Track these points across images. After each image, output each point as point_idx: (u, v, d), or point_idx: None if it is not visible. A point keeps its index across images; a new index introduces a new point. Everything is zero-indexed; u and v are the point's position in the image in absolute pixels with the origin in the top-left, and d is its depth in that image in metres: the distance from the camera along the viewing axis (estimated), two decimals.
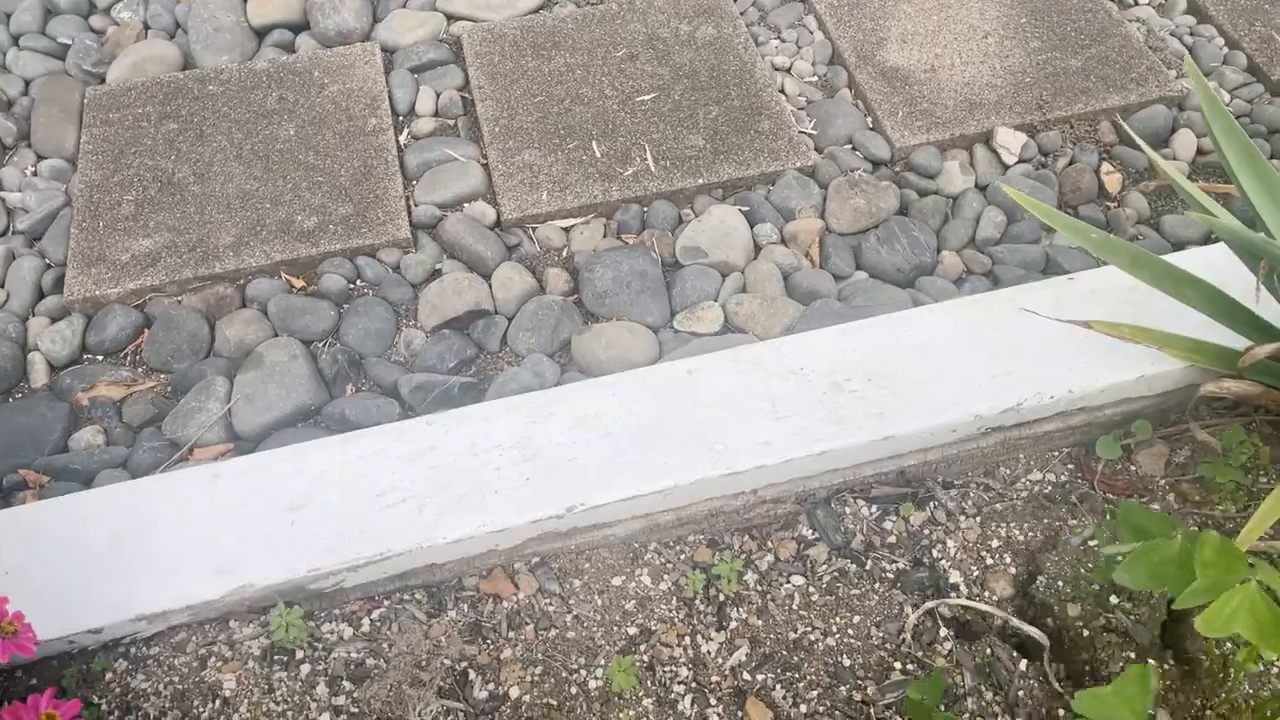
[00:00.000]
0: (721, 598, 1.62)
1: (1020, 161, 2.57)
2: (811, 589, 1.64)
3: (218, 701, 1.43)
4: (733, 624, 1.59)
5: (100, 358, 2.19)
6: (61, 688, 1.42)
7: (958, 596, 1.59)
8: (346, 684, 1.47)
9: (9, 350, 2.12)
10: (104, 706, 1.43)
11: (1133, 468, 1.74)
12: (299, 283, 2.31)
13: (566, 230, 2.44)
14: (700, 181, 2.47)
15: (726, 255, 2.34)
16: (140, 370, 2.17)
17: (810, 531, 1.72)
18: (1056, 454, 1.78)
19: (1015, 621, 1.53)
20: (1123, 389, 1.68)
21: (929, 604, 1.58)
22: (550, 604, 1.58)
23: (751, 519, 1.71)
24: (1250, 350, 1.53)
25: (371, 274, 2.31)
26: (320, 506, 1.53)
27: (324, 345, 2.20)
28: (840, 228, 2.42)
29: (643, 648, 1.55)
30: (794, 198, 2.46)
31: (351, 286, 2.31)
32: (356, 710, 1.45)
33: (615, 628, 1.56)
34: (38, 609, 1.30)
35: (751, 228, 2.41)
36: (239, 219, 2.37)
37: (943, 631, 1.55)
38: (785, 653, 1.56)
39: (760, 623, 1.59)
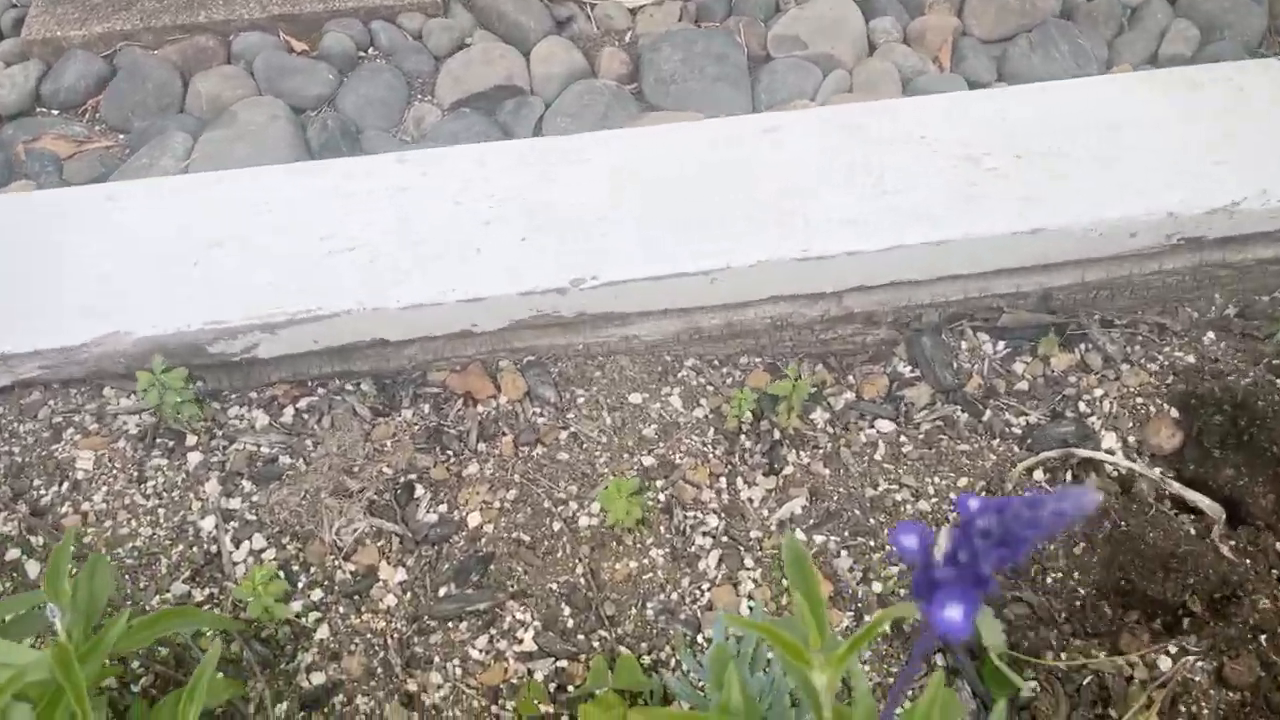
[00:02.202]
0: (776, 435, 1.17)
1: None
2: (904, 438, 1.18)
3: (64, 484, 1.05)
4: (788, 469, 1.14)
5: (55, 112, 1.82)
6: None
7: (1108, 454, 1.12)
8: (246, 484, 1.07)
9: None
10: None
11: None
12: (300, 45, 1.89)
13: (633, 12, 1.96)
14: None
15: (831, 48, 1.84)
16: (99, 129, 1.78)
17: (909, 368, 1.25)
18: (1266, 297, 1.27)
19: (1176, 487, 1.05)
20: None
21: (1048, 453, 1.11)
22: (541, 415, 1.16)
23: (830, 343, 1.24)
24: None
25: (386, 40, 1.88)
26: (241, 248, 1.12)
27: (316, 113, 1.78)
28: (981, 31, 1.90)
29: (659, 484, 1.11)
30: None
31: (361, 54, 1.88)
32: (253, 517, 1.05)
33: (626, 455, 1.13)
34: None
35: (868, 21, 1.91)
36: None
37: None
38: (858, 513, 1.11)
39: (827, 472, 1.14)
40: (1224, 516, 1.03)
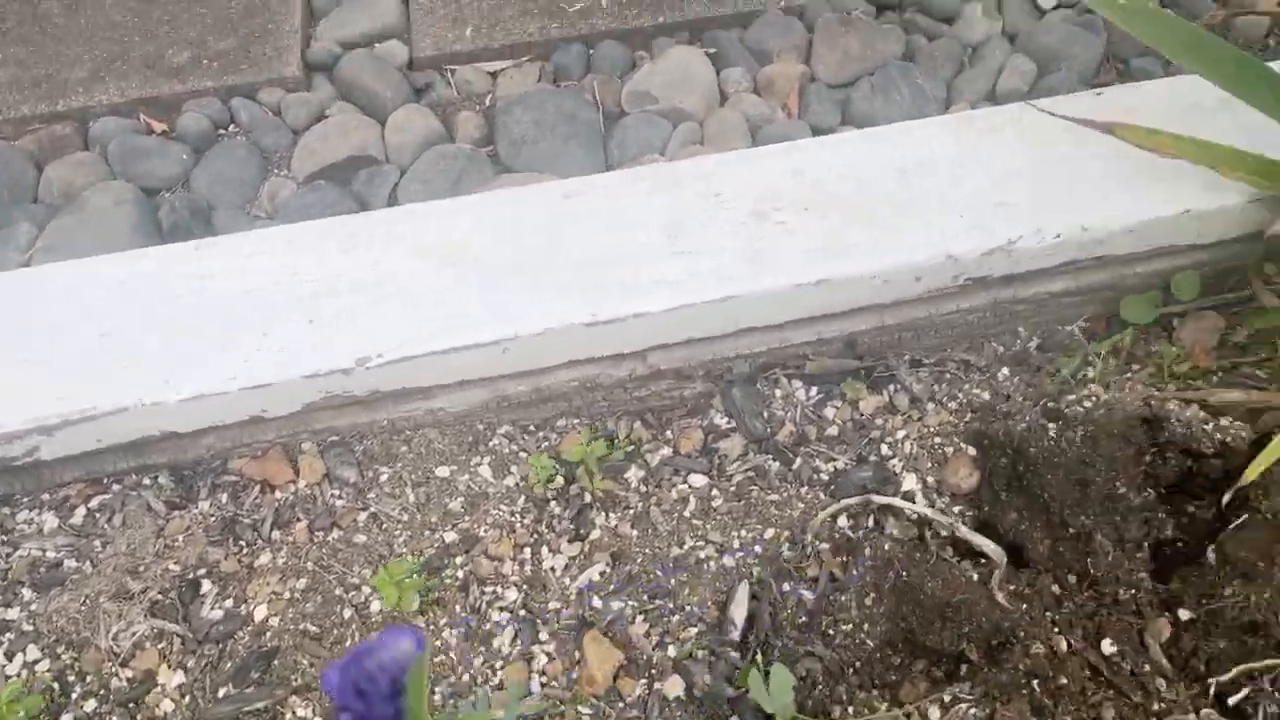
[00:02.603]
0: (587, 498, 1.18)
1: (1060, 6, 2.07)
2: (715, 492, 1.19)
3: None
4: (594, 533, 1.15)
5: None
6: None
7: (905, 499, 1.13)
8: (26, 592, 1.07)
9: None
10: None
11: (1173, 348, 1.25)
12: (160, 126, 1.90)
13: (494, 75, 1.99)
14: (660, 20, 2.01)
15: (682, 102, 1.88)
16: None
17: (725, 419, 1.26)
18: (1068, 328, 1.29)
19: (964, 531, 1.06)
20: (1159, 229, 1.19)
21: (849, 500, 1.12)
22: (340, 497, 1.16)
23: (646, 399, 1.25)
24: None
25: (246, 117, 1.90)
26: (21, 347, 1.12)
27: (170, 194, 1.79)
28: (827, 75, 1.94)
29: (459, 560, 1.11)
30: (772, 39, 1.99)
31: (221, 131, 1.90)
32: (30, 627, 1.04)
33: (428, 532, 1.13)
34: None
35: (718, 73, 1.95)
36: (99, 53, 1.98)
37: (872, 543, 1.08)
38: (660, 574, 1.11)
39: (635, 533, 1.15)
40: (1005, 561, 1.04)
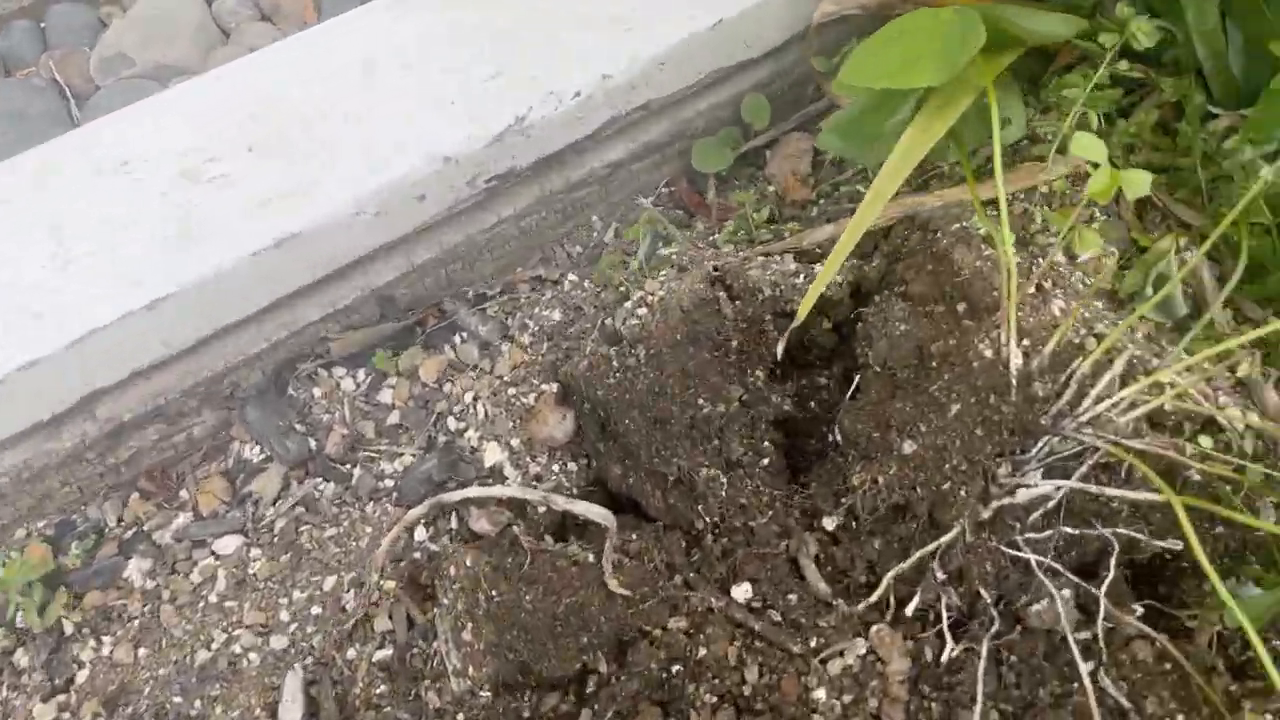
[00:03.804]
0: (67, 628, 0.83)
1: None
2: (253, 552, 0.87)
3: None
4: (82, 675, 0.81)
5: None
6: None
7: (484, 483, 0.86)
8: None
9: None
10: None
11: (770, 186, 1.03)
12: None
13: None
14: None
15: (166, 56, 1.49)
16: None
17: (257, 449, 0.93)
18: (649, 198, 1.04)
19: (561, 503, 0.80)
20: (697, 54, 0.95)
21: (418, 510, 0.83)
22: None
23: (134, 460, 0.91)
24: None
25: None
26: None
27: None
28: None
29: None
30: None
31: None
32: None
33: None
34: None
35: (210, 6, 1.57)
36: None
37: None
38: (178, 699, 0.79)
39: (142, 653, 0.82)
40: (615, 525, 0.78)
